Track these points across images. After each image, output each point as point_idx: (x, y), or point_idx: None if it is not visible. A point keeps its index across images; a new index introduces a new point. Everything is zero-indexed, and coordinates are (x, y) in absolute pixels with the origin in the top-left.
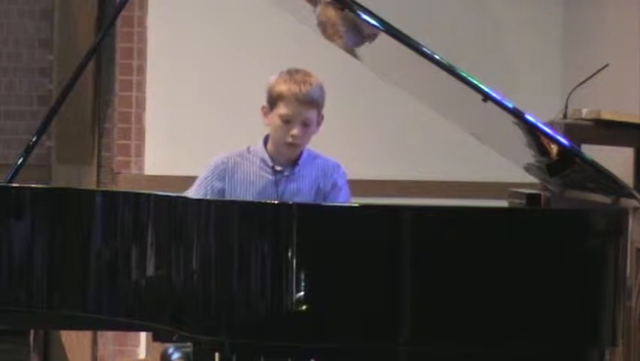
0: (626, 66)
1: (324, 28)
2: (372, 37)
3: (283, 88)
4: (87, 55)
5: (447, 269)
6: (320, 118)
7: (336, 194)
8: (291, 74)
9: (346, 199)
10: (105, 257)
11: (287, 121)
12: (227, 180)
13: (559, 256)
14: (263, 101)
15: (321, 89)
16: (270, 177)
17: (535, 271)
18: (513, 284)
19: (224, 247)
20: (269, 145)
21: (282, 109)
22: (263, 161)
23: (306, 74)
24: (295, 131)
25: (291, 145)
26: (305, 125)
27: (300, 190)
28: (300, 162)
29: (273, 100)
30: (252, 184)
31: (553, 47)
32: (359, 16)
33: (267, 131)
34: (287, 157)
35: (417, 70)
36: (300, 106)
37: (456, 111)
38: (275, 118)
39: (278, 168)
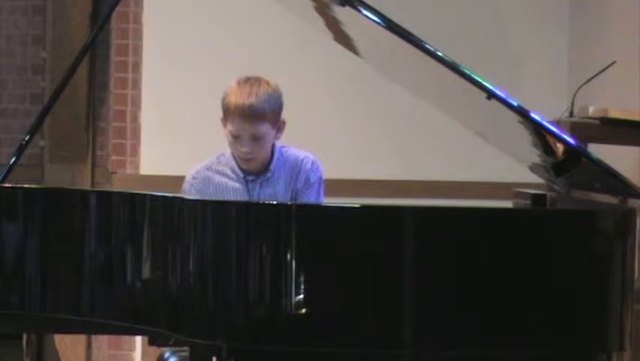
0: (633, 63)
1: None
2: None
3: (230, 101)
4: (81, 52)
5: (449, 271)
6: (280, 124)
7: (308, 192)
8: (240, 84)
9: (316, 196)
10: (99, 259)
11: (235, 137)
12: (202, 195)
13: (564, 258)
14: None
15: (270, 97)
16: (241, 186)
17: (541, 274)
18: (517, 287)
19: (222, 249)
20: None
21: (229, 125)
22: (233, 170)
23: (255, 83)
24: (244, 148)
25: (244, 160)
26: (255, 139)
27: (277, 195)
28: (272, 166)
29: (224, 113)
30: (226, 196)
31: (559, 43)
32: (361, 12)
33: None
34: (249, 169)
35: (419, 67)
36: (244, 122)
37: (459, 110)
38: (227, 132)
39: (249, 177)
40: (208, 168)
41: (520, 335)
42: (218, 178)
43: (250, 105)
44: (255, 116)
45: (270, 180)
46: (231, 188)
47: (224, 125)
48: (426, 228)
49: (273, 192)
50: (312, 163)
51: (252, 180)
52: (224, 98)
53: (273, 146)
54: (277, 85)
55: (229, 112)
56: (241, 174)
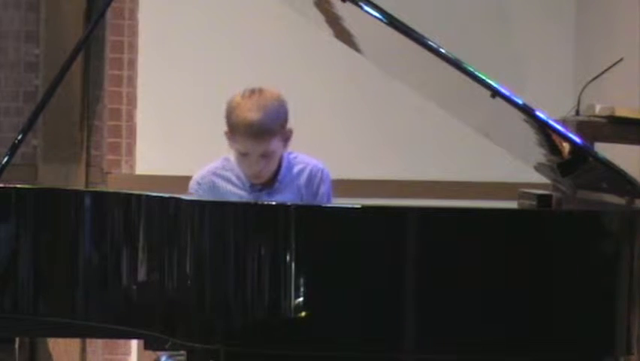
0: None
1: None
2: None
3: (235, 119)
4: (75, 49)
5: (451, 273)
6: (287, 134)
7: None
8: (245, 98)
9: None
10: (94, 261)
11: (244, 155)
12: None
13: (569, 260)
14: None
15: (277, 112)
16: (248, 195)
17: (544, 276)
18: (520, 289)
19: (220, 250)
20: None
21: (236, 143)
22: (239, 178)
23: (260, 97)
24: (254, 167)
25: (254, 176)
26: (264, 156)
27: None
28: (280, 176)
29: (230, 129)
30: None
31: (565, 41)
32: (362, 8)
33: None
34: (258, 182)
35: (422, 65)
36: (254, 141)
37: (463, 108)
38: (234, 148)
39: (256, 186)
40: (213, 173)
41: (524, 339)
42: (223, 185)
43: (258, 123)
44: (264, 134)
45: (276, 190)
46: (237, 196)
47: (230, 139)
48: (427, 229)
49: (280, 200)
50: (322, 171)
51: (259, 190)
52: (229, 114)
53: (281, 155)
54: (280, 94)
55: (235, 130)
56: (247, 183)
